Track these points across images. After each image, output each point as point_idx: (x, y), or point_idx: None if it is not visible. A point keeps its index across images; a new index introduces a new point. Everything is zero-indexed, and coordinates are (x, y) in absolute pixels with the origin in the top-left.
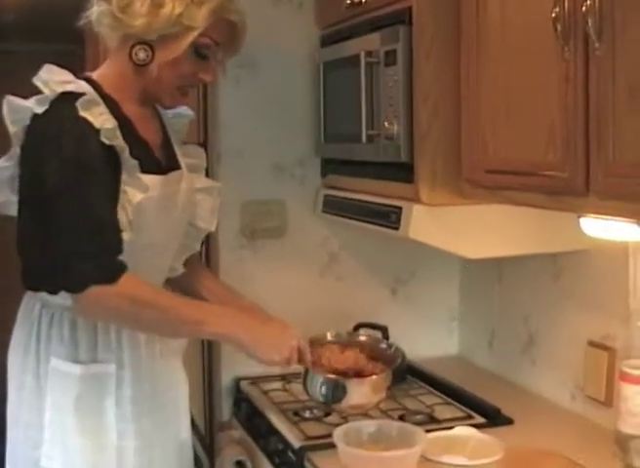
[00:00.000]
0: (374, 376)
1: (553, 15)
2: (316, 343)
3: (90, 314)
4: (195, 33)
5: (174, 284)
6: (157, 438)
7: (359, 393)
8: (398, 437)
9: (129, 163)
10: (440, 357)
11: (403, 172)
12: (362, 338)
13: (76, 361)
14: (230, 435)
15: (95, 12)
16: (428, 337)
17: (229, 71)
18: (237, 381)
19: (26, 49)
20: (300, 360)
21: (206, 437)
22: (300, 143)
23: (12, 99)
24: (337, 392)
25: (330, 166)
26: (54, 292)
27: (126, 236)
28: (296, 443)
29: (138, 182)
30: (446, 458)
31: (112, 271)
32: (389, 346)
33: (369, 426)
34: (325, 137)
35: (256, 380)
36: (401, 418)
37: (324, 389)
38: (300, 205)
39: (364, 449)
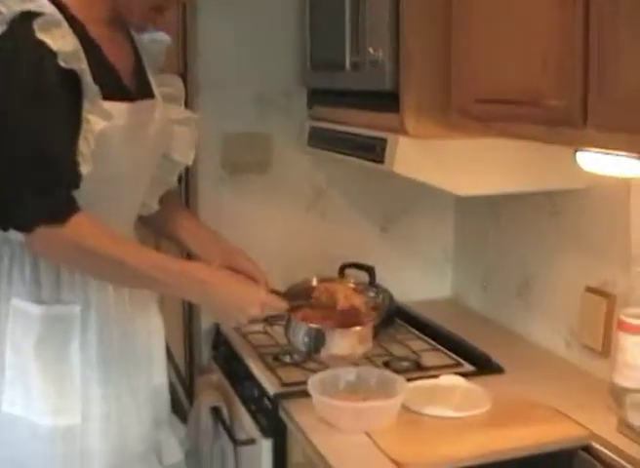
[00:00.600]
0: (358, 327)
1: None
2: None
3: (41, 255)
4: None
5: (148, 223)
6: (126, 386)
7: (342, 344)
8: (378, 386)
9: (90, 88)
10: (432, 300)
11: (389, 101)
12: (349, 285)
13: (38, 301)
14: (209, 379)
15: None
16: (420, 279)
17: None
18: (217, 323)
19: None
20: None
21: (186, 380)
22: (286, 72)
23: None
24: (318, 342)
25: (316, 96)
26: (3, 228)
27: (87, 168)
28: (271, 389)
29: (100, 110)
30: (430, 409)
31: (62, 210)
32: (377, 293)
33: (347, 374)
34: (311, 65)
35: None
36: (386, 365)
37: (305, 338)
38: (284, 137)
39: (340, 399)
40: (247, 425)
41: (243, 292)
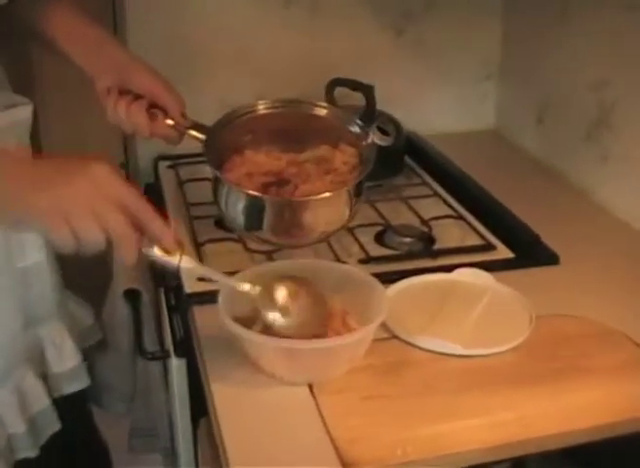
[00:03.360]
0: (318, 196)
1: None
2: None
3: None
4: None
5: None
6: None
7: (295, 216)
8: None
9: None
10: (466, 133)
11: None
12: (319, 111)
13: None
14: None
15: None
16: (449, 103)
17: None
18: (156, 162)
19: None
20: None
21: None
22: None
23: None
24: (256, 215)
25: None
26: None
27: None
28: (187, 285)
29: None
30: (425, 341)
31: None
32: (363, 127)
33: (288, 272)
34: None
35: (177, 162)
36: (377, 241)
37: (239, 210)
38: None
39: (272, 325)
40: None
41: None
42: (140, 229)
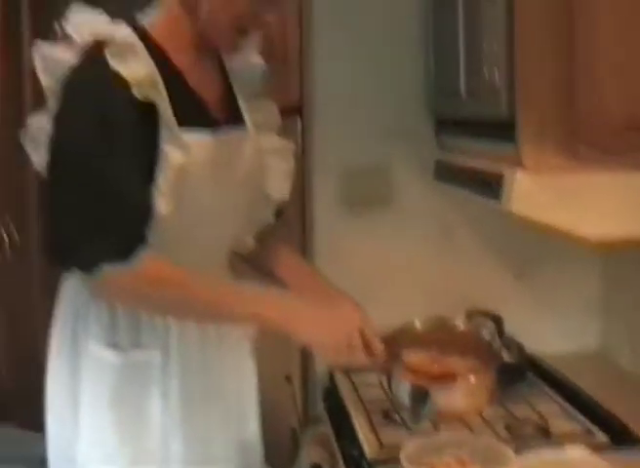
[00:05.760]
0: (467, 380)
1: None
2: (403, 335)
3: (101, 296)
4: None
5: (248, 260)
6: (212, 439)
7: (448, 401)
8: (483, 457)
9: (168, 119)
10: (575, 353)
11: (506, 130)
12: (461, 328)
13: (115, 345)
14: (314, 432)
15: None
16: (561, 330)
17: (324, 18)
18: (331, 371)
19: None
20: (369, 352)
21: (297, 430)
22: (409, 102)
23: (43, 48)
24: (421, 399)
25: (443, 126)
26: (67, 269)
27: (167, 205)
28: (368, 452)
29: (178, 141)
30: None
31: (127, 250)
32: (495, 340)
33: (445, 443)
34: (435, 93)
35: (351, 372)
36: (507, 429)
37: (406, 395)
38: (409, 170)
39: None
40: None
41: (333, 312)
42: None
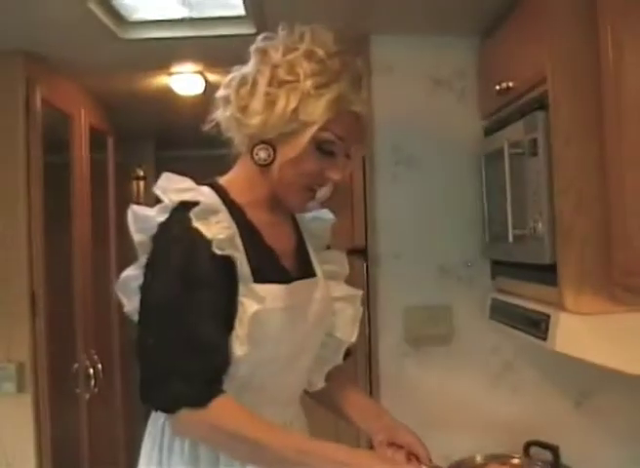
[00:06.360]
0: None
1: None
2: None
3: (180, 435)
4: (314, 128)
5: (314, 396)
6: None
7: None
8: None
9: (244, 273)
10: None
11: (549, 274)
12: (515, 461)
13: None
14: None
15: (219, 116)
16: (625, 459)
17: (387, 169)
18: None
19: (197, 154)
20: None
21: None
22: (467, 243)
23: (136, 209)
24: None
25: (498, 267)
26: (153, 408)
27: (242, 349)
28: None
29: (254, 293)
30: None
31: (205, 396)
32: None
33: None
34: (490, 236)
35: None
36: None
37: None
38: (468, 309)
39: None
40: None
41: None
42: None
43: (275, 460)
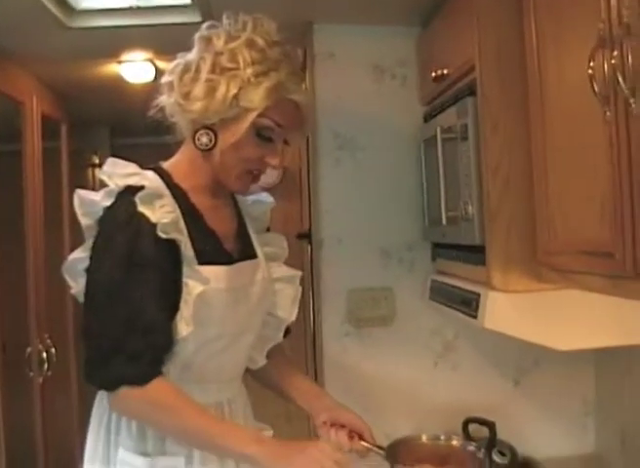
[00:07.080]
0: None
1: (590, 72)
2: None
3: (117, 411)
4: (253, 114)
5: (256, 376)
6: None
7: None
8: None
9: (188, 255)
10: (572, 456)
11: (480, 255)
12: (454, 443)
13: (144, 453)
14: None
15: (164, 101)
16: (559, 434)
17: (329, 154)
18: None
19: (153, 141)
20: None
21: None
22: (408, 226)
23: (82, 193)
24: None
25: (437, 250)
26: (96, 387)
27: (187, 329)
28: None
29: (197, 275)
30: None
31: (145, 375)
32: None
33: None
34: (429, 220)
35: None
36: None
37: None
38: (409, 291)
39: None
40: None
41: (303, 446)
42: None
43: (193, 433)
